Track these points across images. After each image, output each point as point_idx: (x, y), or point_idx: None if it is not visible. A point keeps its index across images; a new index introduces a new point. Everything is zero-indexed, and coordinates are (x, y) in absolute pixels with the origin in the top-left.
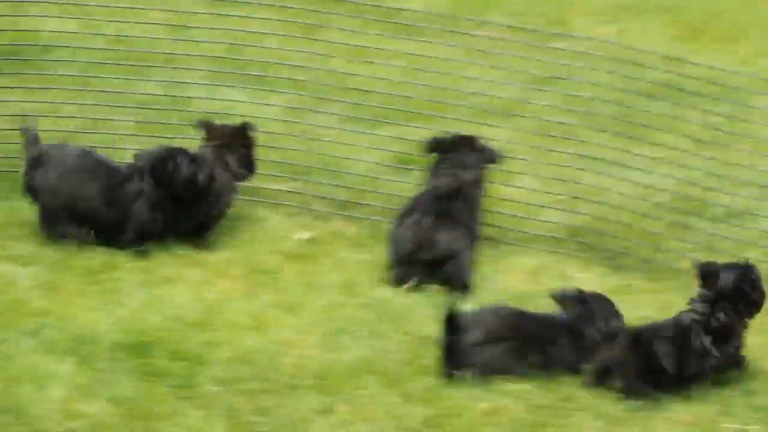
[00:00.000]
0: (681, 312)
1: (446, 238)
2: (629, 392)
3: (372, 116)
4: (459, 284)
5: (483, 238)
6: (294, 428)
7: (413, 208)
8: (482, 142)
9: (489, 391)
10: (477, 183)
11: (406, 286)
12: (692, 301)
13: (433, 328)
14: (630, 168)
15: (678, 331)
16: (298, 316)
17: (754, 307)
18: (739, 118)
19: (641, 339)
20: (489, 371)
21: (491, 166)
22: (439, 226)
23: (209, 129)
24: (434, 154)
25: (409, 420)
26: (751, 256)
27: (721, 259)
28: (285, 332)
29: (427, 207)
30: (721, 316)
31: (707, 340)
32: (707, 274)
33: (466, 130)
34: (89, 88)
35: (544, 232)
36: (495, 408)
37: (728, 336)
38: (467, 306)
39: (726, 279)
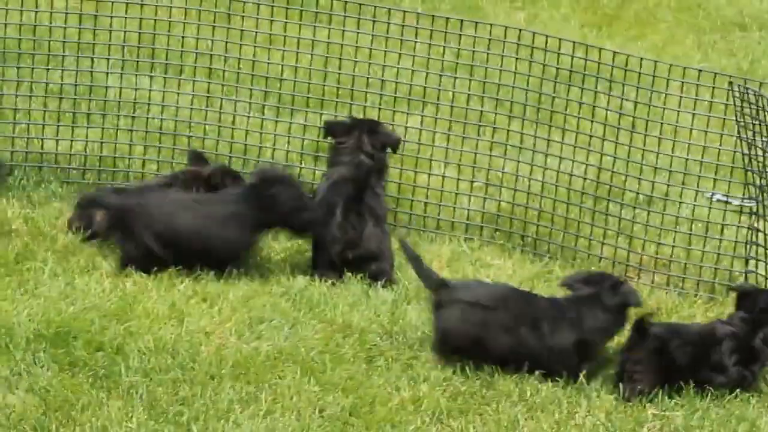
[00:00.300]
0: (716, 321)
1: (372, 237)
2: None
3: (285, 104)
4: (385, 279)
5: (398, 226)
6: (215, 418)
7: (331, 204)
8: (382, 126)
9: (410, 379)
10: (381, 170)
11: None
12: (729, 320)
13: (350, 316)
14: (546, 154)
15: (707, 341)
16: (216, 306)
17: None
18: (651, 105)
19: (666, 342)
20: None
21: (393, 151)
22: (362, 222)
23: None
24: (332, 139)
25: (330, 409)
26: (667, 241)
27: (638, 245)
28: (203, 322)
29: (345, 203)
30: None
31: (732, 358)
32: (745, 295)
33: (380, 117)
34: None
35: (461, 220)
36: (416, 396)
37: (757, 357)
38: None
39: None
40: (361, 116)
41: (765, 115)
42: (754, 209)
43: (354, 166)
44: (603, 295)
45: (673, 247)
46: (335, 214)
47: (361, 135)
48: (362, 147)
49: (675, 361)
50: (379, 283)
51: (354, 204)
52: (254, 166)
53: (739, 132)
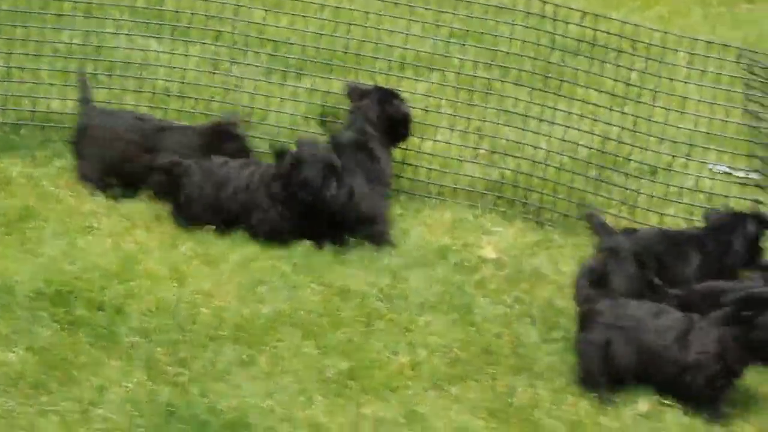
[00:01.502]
0: None
1: (368, 199)
2: None
3: (291, 68)
4: (382, 242)
5: (402, 192)
6: (214, 379)
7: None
8: (396, 98)
9: (409, 344)
10: (380, 137)
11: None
12: None
13: (350, 280)
14: (550, 123)
15: None
16: (217, 268)
17: None
18: (656, 75)
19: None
20: None
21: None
22: (359, 185)
23: None
24: (351, 104)
25: (328, 372)
26: (669, 212)
27: (641, 215)
28: (204, 283)
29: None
30: None
31: None
32: None
33: (386, 83)
34: (6, 37)
35: (464, 186)
36: (414, 361)
37: None
38: None
39: None
40: (368, 82)
41: None
42: (758, 182)
43: (357, 131)
44: None
45: (676, 218)
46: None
47: (371, 104)
48: (368, 116)
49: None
50: (378, 246)
51: (351, 167)
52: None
53: (745, 104)
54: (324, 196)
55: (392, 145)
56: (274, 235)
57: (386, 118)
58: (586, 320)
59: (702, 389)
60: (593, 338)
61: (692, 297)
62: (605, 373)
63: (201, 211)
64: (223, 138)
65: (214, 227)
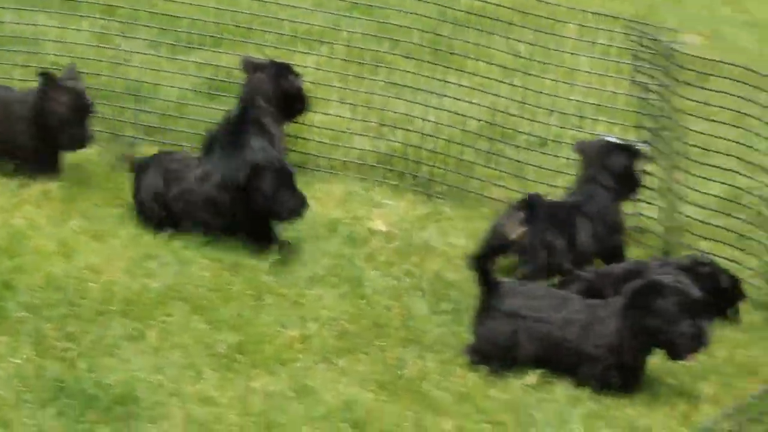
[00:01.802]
0: None
1: None
2: None
3: (181, 42)
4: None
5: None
6: (103, 354)
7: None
8: (290, 72)
9: (299, 317)
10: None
11: None
12: None
13: (240, 254)
14: (440, 96)
15: None
16: (106, 243)
17: None
18: (545, 47)
19: None
20: None
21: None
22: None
23: None
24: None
25: (218, 346)
26: (558, 183)
27: (531, 187)
28: (92, 258)
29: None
30: None
31: None
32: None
33: (276, 56)
34: None
35: (355, 159)
36: (304, 335)
37: None
38: None
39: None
40: (257, 56)
41: (659, 60)
42: (647, 153)
43: (250, 105)
44: None
45: (566, 189)
46: (215, 149)
47: (264, 78)
48: (261, 87)
49: None
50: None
51: (237, 139)
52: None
53: (633, 76)
54: (279, 210)
55: (287, 119)
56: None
57: (280, 93)
58: (488, 302)
59: (602, 379)
60: (495, 327)
61: (599, 280)
62: (504, 358)
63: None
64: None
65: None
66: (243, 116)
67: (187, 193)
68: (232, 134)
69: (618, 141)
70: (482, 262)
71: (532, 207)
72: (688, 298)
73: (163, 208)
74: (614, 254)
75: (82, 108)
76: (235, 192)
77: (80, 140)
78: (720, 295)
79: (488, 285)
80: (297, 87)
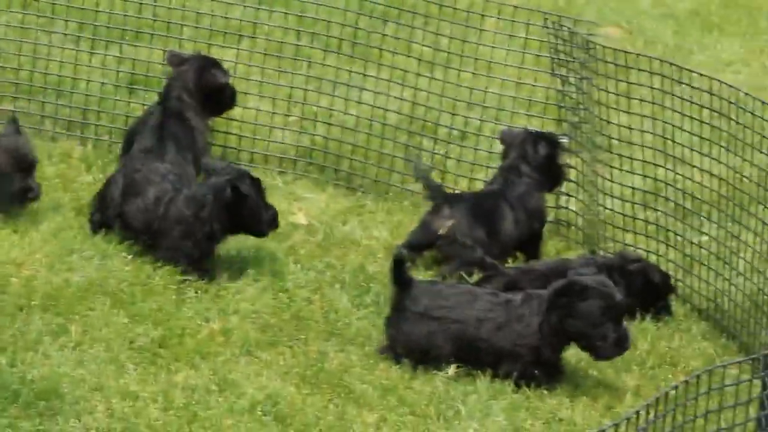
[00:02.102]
0: None
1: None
2: None
3: (100, 36)
4: None
5: (212, 158)
6: (24, 349)
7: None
8: (215, 66)
9: (220, 310)
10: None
11: None
12: None
13: None
14: (361, 89)
15: None
16: (27, 237)
17: None
18: (463, 40)
19: None
20: None
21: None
22: (165, 152)
23: None
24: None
25: (140, 340)
26: (479, 176)
27: (451, 180)
28: (13, 253)
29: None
30: None
31: None
32: None
33: (197, 50)
34: None
35: (276, 153)
36: (225, 328)
37: None
38: None
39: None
40: (177, 50)
41: (578, 53)
42: (567, 146)
43: (173, 99)
44: None
45: (486, 182)
46: (133, 142)
47: (188, 72)
48: (186, 84)
49: None
50: None
51: (158, 134)
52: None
53: (553, 69)
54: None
55: (213, 114)
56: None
57: (204, 87)
58: (402, 303)
59: (523, 376)
60: (409, 329)
61: (520, 277)
62: (420, 358)
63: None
64: None
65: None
66: (164, 111)
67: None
68: (152, 129)
69: (540, 131)
70: (404, 258)
71: (455, 201)
72: (609, 300)
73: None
74: (532, 243)
75: (24, 165)
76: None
77: (26, 195)
78: (651, 290)
79: (402, 284)
80: (222, 82)
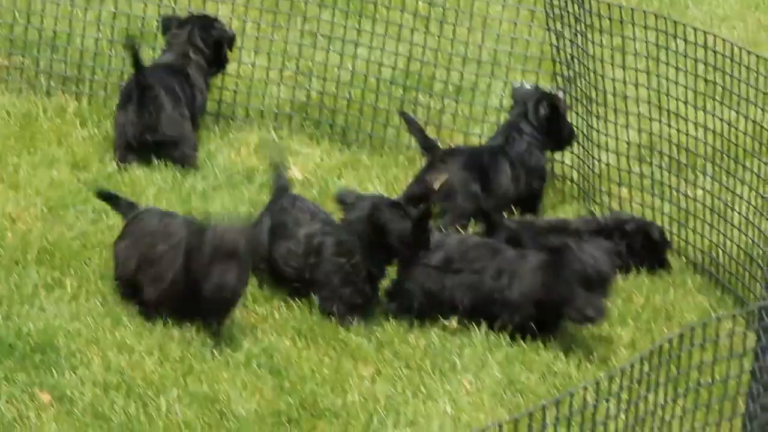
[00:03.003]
0: None
1: (171, 121)
2: None
3: None
4: (186, 164)
5: (208, 114)
6: (20, 303)
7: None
8: (217, 22)
9: None
10: (201, 62)
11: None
12: None
13: (158, 202)
14: (356, 44)
15: None
16: (22, 191)
17: None
18: None
19: None
20: None
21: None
22: (164, 106)
23: None
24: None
25: None
26: (475, 132)
27: (447, 134)
28: (9, 207)
29: (147, 87)
30: None
31: None
32: None
33: (190, 7)
34: None
35: (271, 108)
36: None
37: None
38: None
39: None
40: (172, 8)
41: (574, 6)
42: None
43: (178, 56)
44: None
45: (481, 137)
46: (133, 97)
47: (194, 29)
48: (192, 40)
49: None
50: (184, 169)
51: (155, 89)
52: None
53: (548, 23)
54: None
55: (215, 71)
56: None
57: (213, 42)
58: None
59: (521, 328)
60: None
61: (522, 230)
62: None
63: None
64: None
65: None
66: (166, 68)
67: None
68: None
69: (549, 92)
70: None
71: (451, 155)
72: (592, 270)
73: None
74: (532, 201)
75: None
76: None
77: None
78: (651, 247)
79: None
80: (232, 35)
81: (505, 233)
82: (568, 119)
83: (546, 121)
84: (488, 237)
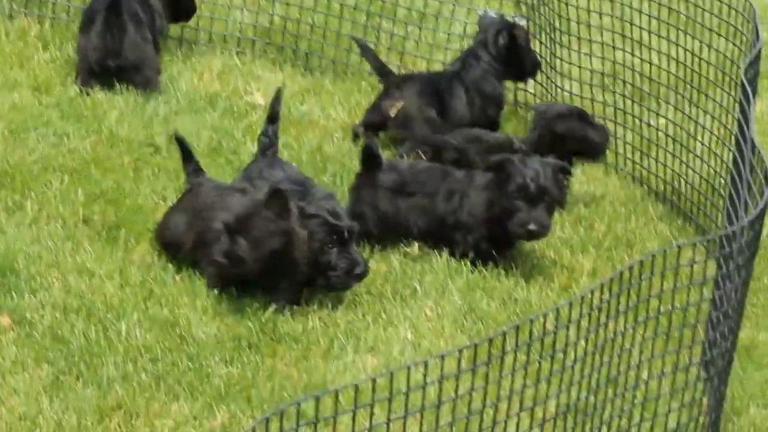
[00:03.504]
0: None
1: (134, 45)
2: None
3: None
4: (148, 88)
5: (170, 39)
6: None
7: (93, 11)
8: None
9: (178, 189)
10: None
11: None
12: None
13: (119, 127)
14: None
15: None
16: None
17: None
18: None
19: None
20: None
21: None
22: (127, 31)
23: None
24: None
25: (96, 218)
26: (438, 58)
27: (409, 61)
28: None
29: (107, 11)
30: None
31: None
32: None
33: None
34: None
35: (233, 33)
36: None
37: None
38: None
39: None
40: None
41: None
42: (526, 27)
43: None
44: None
45: (444, 64)
46: (95, 21)
47: None
48: None
49: None
50: (146, 93)
51: (117, 13)
52: None
53: None
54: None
55: None
56: None
57: None
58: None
59: (473, 248)
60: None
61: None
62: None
63: None
64: None
65: None
66: None
67: None
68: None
69: (513, 22)
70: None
71: (407, 82)
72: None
73: None
74: (490, 129)
75: None
76: None
77: None
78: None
79: (370, 162)
80: None
81: (454, 154)
82: (533, 48)
83: (505, 51)
84: (435, 159)
